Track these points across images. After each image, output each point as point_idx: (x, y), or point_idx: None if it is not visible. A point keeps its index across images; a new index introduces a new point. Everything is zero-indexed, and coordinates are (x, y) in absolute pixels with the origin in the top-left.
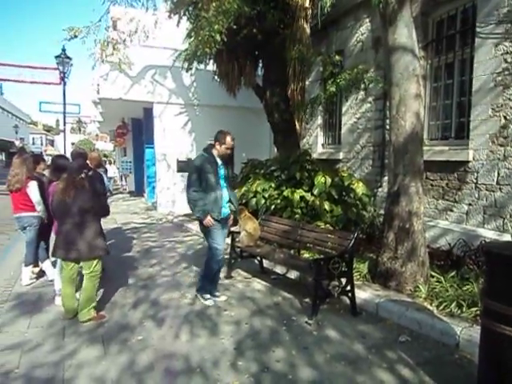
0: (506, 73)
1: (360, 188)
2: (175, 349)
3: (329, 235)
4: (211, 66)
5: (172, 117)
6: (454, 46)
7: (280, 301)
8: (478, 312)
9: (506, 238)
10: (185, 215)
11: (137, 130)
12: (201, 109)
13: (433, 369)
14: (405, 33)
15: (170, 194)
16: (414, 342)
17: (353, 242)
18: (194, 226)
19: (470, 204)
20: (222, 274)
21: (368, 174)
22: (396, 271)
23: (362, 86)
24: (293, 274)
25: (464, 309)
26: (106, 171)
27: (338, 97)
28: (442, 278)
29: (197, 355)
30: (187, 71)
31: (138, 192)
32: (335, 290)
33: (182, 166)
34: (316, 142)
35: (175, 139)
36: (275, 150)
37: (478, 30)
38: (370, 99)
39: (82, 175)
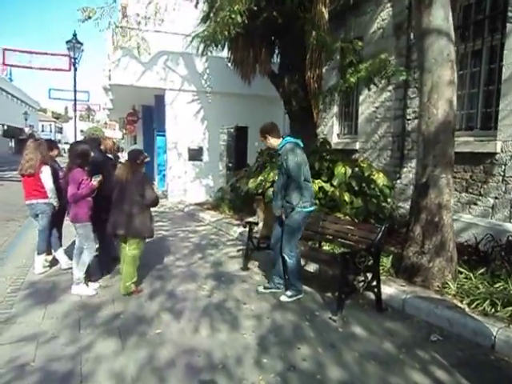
0: None
1: (381, 179)
2: (196, 344)
3: (352, 227)
4: (224, 53)
5: (184, 104)
6: (483, 32)
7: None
8: None
9: None
10: (196, 204)
11: (148, 117)
12: (213, 96)
13: (469, 371)
14: (441, 14)
15: (182, 183)
16: (446, 342)
17: (381, 235)
18: (207, 216)
19: (496, 197)
20: (237, 266)
21: (386, 165)
22: (422, 266)
23: (385, 76)
24: (312, 267)
25: (499, 308)
26: (118, 158)
27: (356, 85)
28: (471, 275)
29: (219, 351)
30: (202, 55)
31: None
32: (360, 284)
33: (194, 155)
34: (331, 131)
35: (187, 127)
36: None
37: (509, 14)
38: (390, 88)
39: (138, 161)
